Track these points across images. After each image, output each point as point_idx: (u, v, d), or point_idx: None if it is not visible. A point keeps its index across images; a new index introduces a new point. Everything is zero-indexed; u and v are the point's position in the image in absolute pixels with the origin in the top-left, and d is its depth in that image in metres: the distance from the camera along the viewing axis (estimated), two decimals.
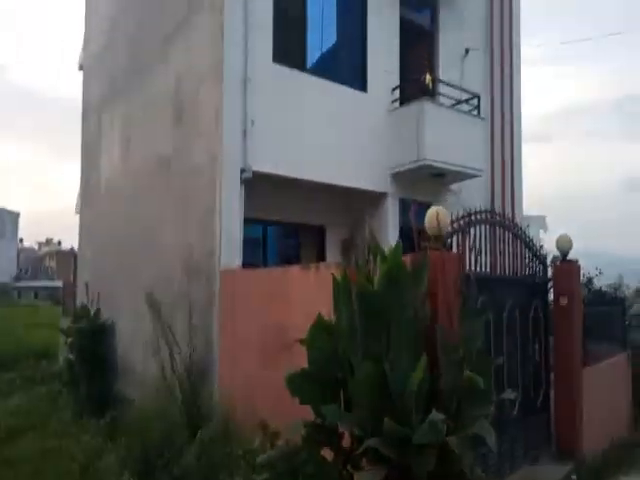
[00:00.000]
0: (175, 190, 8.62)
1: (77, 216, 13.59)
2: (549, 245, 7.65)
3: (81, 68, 14.22)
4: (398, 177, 9.67)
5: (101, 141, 12.07)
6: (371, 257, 4.39)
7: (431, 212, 4.67)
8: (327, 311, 4.30)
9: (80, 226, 13.32)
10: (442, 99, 10.01)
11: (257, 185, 7.79)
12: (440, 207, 4.73)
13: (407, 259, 4.34)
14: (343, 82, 9.14)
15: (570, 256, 7.23)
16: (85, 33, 13.85)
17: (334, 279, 4.27)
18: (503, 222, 6.59)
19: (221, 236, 7.31)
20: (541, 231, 16.73)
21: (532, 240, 7.11)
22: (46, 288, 71.71)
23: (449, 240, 5.31)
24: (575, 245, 7.28)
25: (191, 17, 8.37)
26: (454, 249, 5.43)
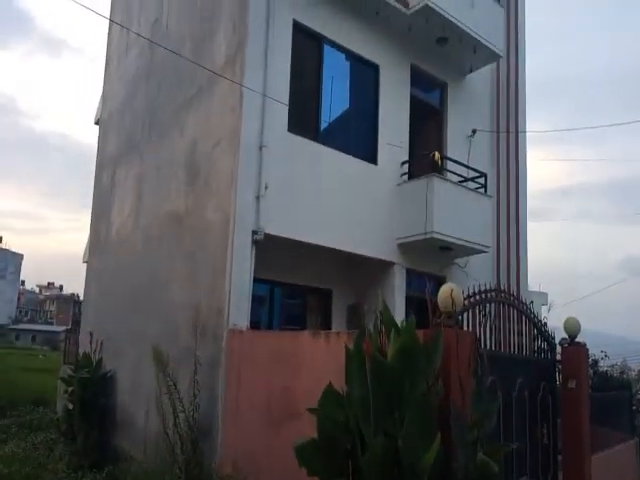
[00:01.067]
0: (185, 247, 8.67)
1: (84, 264, 13.65)
2: (551, 322, 7.62)
3: (97, 122, 14.62)
4: (405, 248, 9.74)
5: (113, 194, 12.24)
6: (382, 327, 4.36)
7: (445, 289, 4.65)
8: (337, 379, 4.24)
9: (87, 275, 13.33)
10: (450, 175, 10.22)
11: (267, 246, 7.84)
12: (453, 284, 4.72)
13: (420, 334, 4.31)
14: (354, 153, 9.36)
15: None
16: (104, 90, 14.31)
17: (346, 349, 4.23)
18: (512, 301, 6.58)
19: (230, 295, 7.29)
20: (543, 308, 16.70)
21: (540, 320, 7.08)
22: (44, 332, 71.17)
23: (460, 317, 5.28)
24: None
25: (211, 86, 8.66)
26: (465, 326, 5.39)
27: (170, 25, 10.55)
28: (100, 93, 14.70)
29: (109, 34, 14.32)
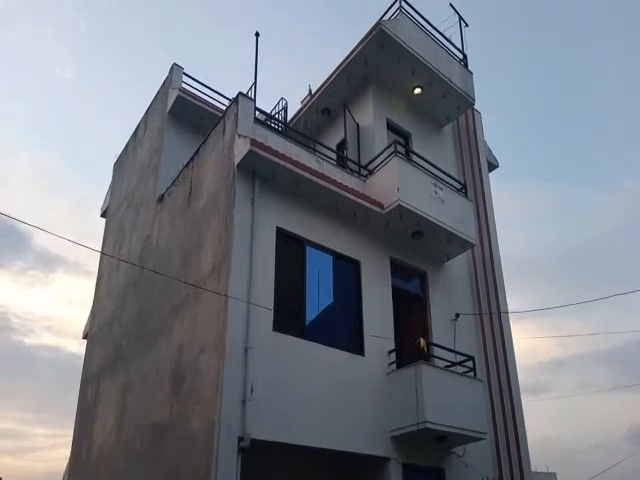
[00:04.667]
0: (167, 460, 8.45)
1: None
2: None
3: (85, 337, 15.02)
4: (400, 440, 9.48)
5: (97, 408, 12.22)
6: None
7: None
8: None
9: None
10: (438, 361, 10.33)
11: (254, 453, 7.65)
12: None
13: None
14: (341, 346, 9.55)
15: None
16: (93, 305, 14.98)
17: None
18: None
19: None
20: None
21: None
22: None
23: None
24: None
25: (197, 293, 9.14)
26: None
27: (160, 240, 11.45)
28: (90, 307, 15.32)
29: (102, 253, 15.32)
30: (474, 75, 14.27)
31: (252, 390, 7.79)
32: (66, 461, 13.96)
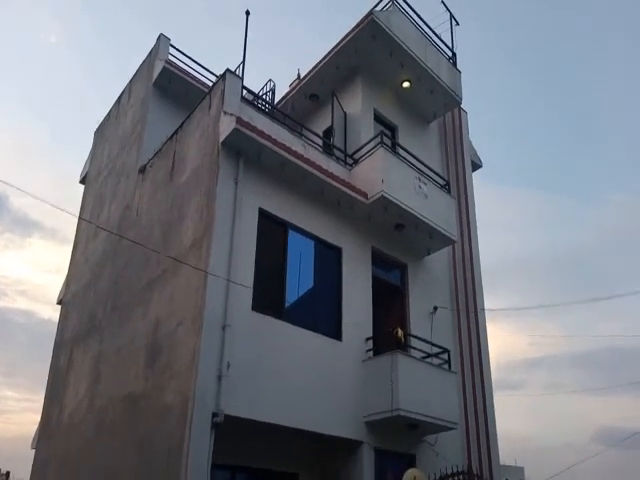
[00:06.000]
0: (140, 432, 8.35)
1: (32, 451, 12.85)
2: None
3: (59, 302, 14.75)
4: (373, 426, 9.51)
5: (69, 375, 12.00)
6: None
7: (408, 476, 4.58)
8: None
9: (34, 463, 12.50)
10: (414, 352, 10.38)
11: (228, 428, 7.59)
12: (417, 471, 4.67)
13: None
14: (319, 330, 9.53)
15: None
16: (69, 271, 14.69)
17: None
18: None
19: None
20: None
21: None
22: None
23: None
24: None
25: (176, 266, 9.04)
26: None
27: (141, 212, 11.29)
28: (66, 274, 15.07)
29: (80, 218, 15.09)
30: (462, 74, 14.40)
31: (228, 367, 7.72)
32: (36, 426, 13.71)
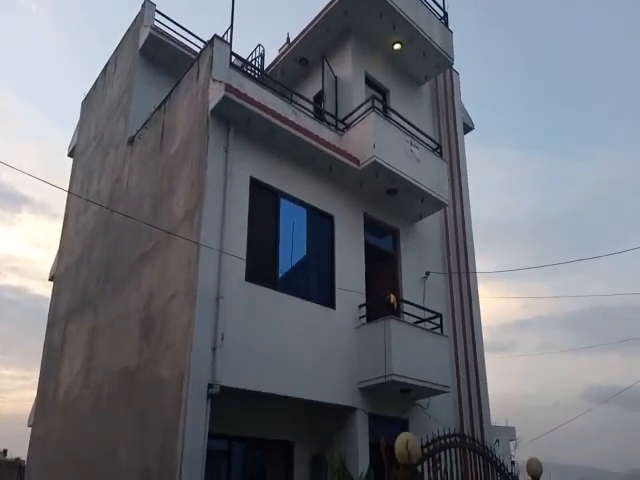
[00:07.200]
0: (136, 406, 8.42)
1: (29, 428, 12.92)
2: (520, 456, 7.56)
3: (52, 279, 14.67)
4: (367, 392, 9.65)
5: (64, 351, 12.01)
6: None
7: (400, 440, 4.65)
8: None
9: (31, 439, 12.59)
10: (407, 317, 10.46)
11: (223, 399, 7.66)
12: (409, 434, 4.73)
13: None
14: (312, 299, 9.57)
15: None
16: (60, 246, 14.56)
17: None
18: (473, 445, 6.53)
19: (182, 457, 6.96)
20: (511, 443, 16.28)
21: (503, 463, 6.98)
22: None
23: (420, 467, 5.21)
24: (543, 457, 7.18)
25: (168, 239, 8.97)
26: (425, 475, 5.30)
27: (131, 184, 11.13)
28: (57, 249, 14.94)
29: (69, 192, 14.89)
30: (454, 35, 14.11)
31: (223, 338, 7.76)
32: (32, 403, 13.82)
